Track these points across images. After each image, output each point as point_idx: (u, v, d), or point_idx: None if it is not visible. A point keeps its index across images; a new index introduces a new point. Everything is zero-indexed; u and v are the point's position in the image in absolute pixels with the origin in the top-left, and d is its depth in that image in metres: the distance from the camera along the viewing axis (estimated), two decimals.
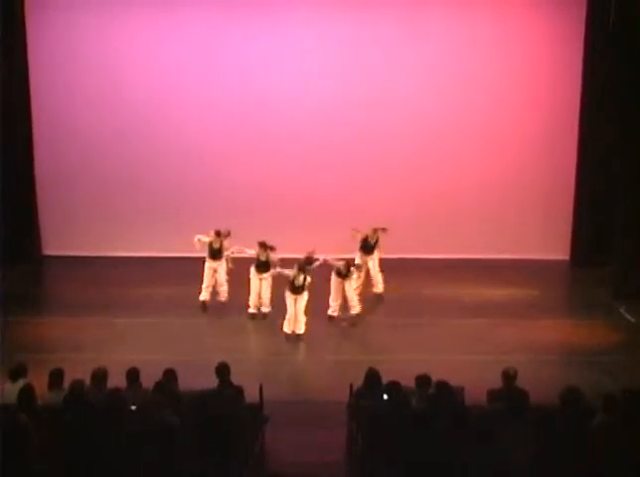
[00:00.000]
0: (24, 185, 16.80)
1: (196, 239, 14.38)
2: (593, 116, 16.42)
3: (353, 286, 14.08)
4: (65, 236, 17.24)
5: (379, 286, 15.05)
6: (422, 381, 9.06)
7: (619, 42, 15.19)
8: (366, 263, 14.92)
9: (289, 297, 13.44)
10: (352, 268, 14.04)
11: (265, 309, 14.23)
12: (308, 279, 13.41)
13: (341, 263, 13.93)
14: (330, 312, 14.11)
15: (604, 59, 15.84)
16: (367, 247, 14.93)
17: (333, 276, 14.04)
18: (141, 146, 17.12)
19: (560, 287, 16.42)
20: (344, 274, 13.92)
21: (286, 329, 13.45)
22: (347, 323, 13.93)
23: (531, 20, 16.75)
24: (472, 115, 17.01)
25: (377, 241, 14.92)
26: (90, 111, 16.97)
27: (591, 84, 16.35)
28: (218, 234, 14.40)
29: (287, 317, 13.46)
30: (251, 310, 14.24)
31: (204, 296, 14.56)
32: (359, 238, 14.89)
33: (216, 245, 14.43)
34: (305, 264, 13.44)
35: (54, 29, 16.72)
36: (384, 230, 14.79)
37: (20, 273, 16.14)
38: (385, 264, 14.98)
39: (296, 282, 13.36)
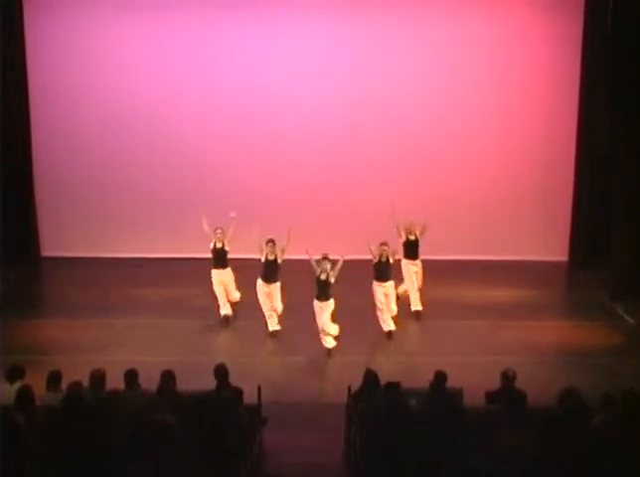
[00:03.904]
0: (22, 186, 16.79)
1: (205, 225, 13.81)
2: (592, 118, 16.43)
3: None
4: (63, 237, 17.23)
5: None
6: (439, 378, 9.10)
7: (616, 43, 15.22)
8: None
9: (317, 305, 12.92)
10: None
11: (275, 325, 13.58)
12: (332, 280, 12.73)
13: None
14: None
15: (602, 60, 15.84)
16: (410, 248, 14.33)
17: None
18: (140, 147, 17.11)
19: (559, 288, 16.41)
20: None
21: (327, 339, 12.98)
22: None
23: (529, 21, 16.77)
24: (471, 117, 17.04)
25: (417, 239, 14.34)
26: (89, 113, 16.97)
27: (590, 86, 16.36)
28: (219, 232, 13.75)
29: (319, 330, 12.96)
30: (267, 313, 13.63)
31: (225, 310, 13.95)
32: (402, 234, 14.17)
33: (219, 245, 13.81)
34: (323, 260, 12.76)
35: (52, 29, 16.70)
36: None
37: (18, 274, 16.12)
38: None
39: (322, 276, 12.68)
